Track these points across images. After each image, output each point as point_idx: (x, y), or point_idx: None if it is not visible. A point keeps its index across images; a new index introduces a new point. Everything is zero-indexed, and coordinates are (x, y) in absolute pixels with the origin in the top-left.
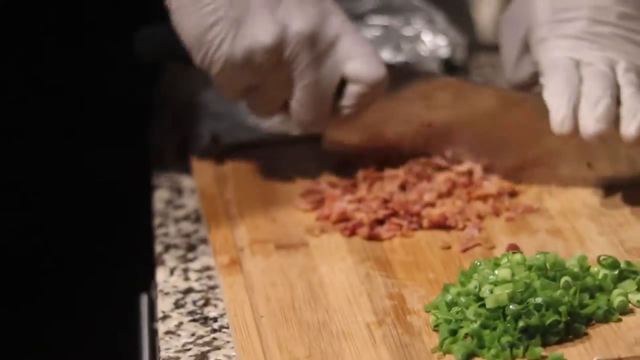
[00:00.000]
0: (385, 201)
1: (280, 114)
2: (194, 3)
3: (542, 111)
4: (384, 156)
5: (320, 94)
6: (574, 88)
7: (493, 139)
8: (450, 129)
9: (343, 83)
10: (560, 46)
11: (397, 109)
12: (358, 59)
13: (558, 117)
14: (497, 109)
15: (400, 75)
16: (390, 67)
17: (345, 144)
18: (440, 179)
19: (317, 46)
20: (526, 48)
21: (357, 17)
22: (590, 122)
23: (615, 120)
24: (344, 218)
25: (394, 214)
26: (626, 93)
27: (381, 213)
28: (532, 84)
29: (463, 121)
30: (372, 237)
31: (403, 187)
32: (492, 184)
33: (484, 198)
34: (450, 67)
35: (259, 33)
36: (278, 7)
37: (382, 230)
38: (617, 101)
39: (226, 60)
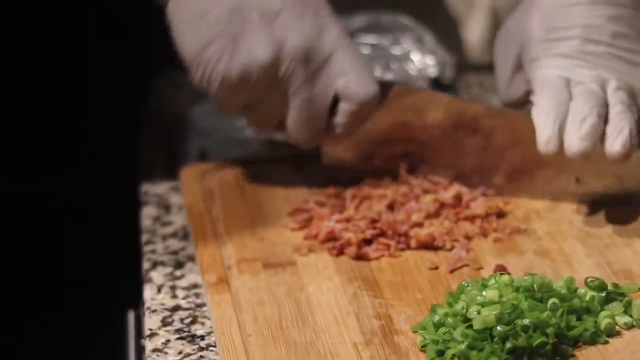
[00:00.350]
0: (374, 221)
1: (279, 129)
2: (195, 19)
3: (531, 128)
4: (380, 170)
5: (314, 112)
6: (561, 107)
7: (482, 152)
8: (441, 142)
9: (337, 100)
10: (553, 65)
11: (388, 123)
12: (349, 77)
13: (544, 137)
14: (484, 122)
15: (391, 90)
16: (383, 84)
17: (343, 159)
18: (429, 200)
19: (312, 62)
20: (520, 66)
21: None
22: (575, 141)
23: (602, 138)
24: (332, 238)
25: (382, 234)
26: (614, 112)
27: (369, 233)
28: (525, 103)
29: (452, 134)
30: (360, 257)
31: (391, 207)
32: (480, 205)
33: (472, 219)
34: (439, 86)
35: (256, 50)
36: (275, 22)
37: (370, 250)
38: (605, 120)
39: (224, 78)
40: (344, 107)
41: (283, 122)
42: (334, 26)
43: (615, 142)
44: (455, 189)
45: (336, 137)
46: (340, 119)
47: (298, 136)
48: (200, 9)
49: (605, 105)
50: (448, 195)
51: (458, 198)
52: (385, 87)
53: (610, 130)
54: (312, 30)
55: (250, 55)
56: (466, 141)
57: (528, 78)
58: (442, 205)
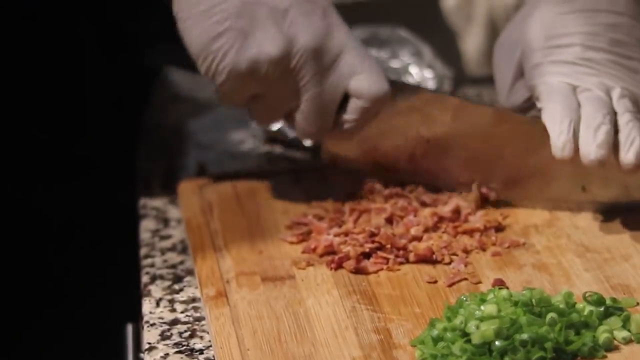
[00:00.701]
0: (372, 234)
1: (283, 122)
2: (202, 13)
3: (539, 133)
4: (381, 170)
5: (323, 107)
6: (573, 113)
7: (488, 155)
8: (446, 144)
9: (346, 97)
10: (555, 71)
11: (394, 123)
12: (361, 75)
13: (559, 142)
14: (492, 126)
15: (400, 90)
16: (393, 83)
17: (343, 157)
18: (427, 213)
19: (322, 59)
20: (520, 73)
21: None
22: (592, 148)
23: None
24: (330, 251)
25: (381, 247)
26: (623, 120)
27: (368, 246)
28: (526, 109)
29: (458, 137)
30: (359, 271)
31: (390, 221)
32: (478, 219)
33: (470, 232)
34: None
35: (265, 44)
36: (284, 20)
37: (369, 264)
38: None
39: (231, 70)
40: (354, 104)
41: (289, 115)
42: (341, 26)
43: (629, 151)
44: (454, 202)
45: (343, 133)
46: (350, 115)
47: (306, 129)
48: (208, 3)
49: (613, 113)
50: (446, 208)
51: (456, 211)
52: (395, 86)
53: (622, 139)
54: (321, 29)
55: (260, 49)
56: (472, 144)
57: (530, 84)
58: (441, 219)
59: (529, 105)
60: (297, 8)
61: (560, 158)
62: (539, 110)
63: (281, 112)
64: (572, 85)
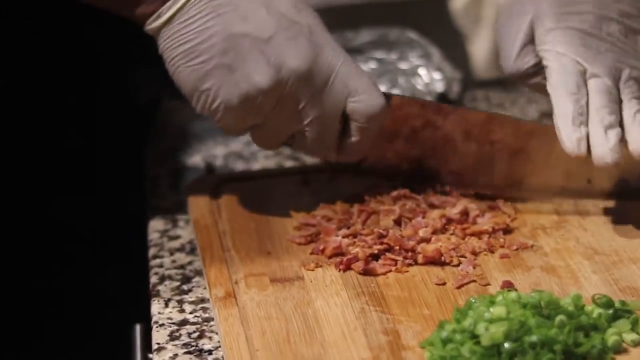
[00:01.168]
0: (381, 236)
1: (285, 145)
2: (187, 53)
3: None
4: (386, 171)
5: (325, 128)
6: (583, 107)
7: (489, 156)
8: (449, 145)
9: (346, 118)
10: (568, 42)
11: (396, 128)
12: (357, 95)
13: (573, 140)
14: (491, 133)
15: (396, 101)
16: (388, 96)
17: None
18: (435, 215)
19: (314, 81)
20: (529, 38)
21: (353, 51)
22: (607, 151)
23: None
24: (338, 252)
25: (389, 249)
26: (630, 110)
27: (376, 248)
28: (532, 74)
29: (460, 139)
30: (367, 272)
31: (398, 222)
32: (487, 221)
33: (479, 234)
34: (445, 101)
35: (254, 76)
36: (270, 48)
37: (377, 265)
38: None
39: (225, 107)
40: (355, 126)
41: (291, 139)
42: (330, 44)
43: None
44: (463, 204)
45: (350, 156)
46: (354, 138)
47: (312, 151)
48: (190, 43)
49: (619, 101)
50: (455, 210)
51: (464, 213)
52: (389, 99)
53: (631, 130)
54: (309, 51)
55: (249, 82)
56: (471, 148)
57: (541, 49)
58: (449, 221)
59: (536, 71)
60: (281, 33)
61: (575, 155)
62: (544, 78)
63: (284, 136)
64: (582, 67)
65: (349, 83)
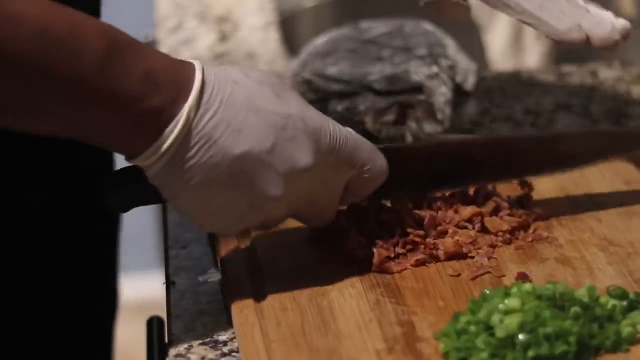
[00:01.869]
0: (399, 236)
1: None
2: (196, 190)
3: None
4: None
5: (328, 205)
6: None
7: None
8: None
9: None
10: None
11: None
12: (363, 168)
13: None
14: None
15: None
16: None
17: None
18: (467, 212)
19: (324, 169)
20: None
21: (368, 42)
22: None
23: None
24: (354, 253)
25: (410, 248)
26: None
27: (395, 249)
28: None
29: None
30: (382, 271)
31: (419, 223)
32: (505, 222)
33: (501, 232)
34: (460, 92)
35: (269, 191)
36: (272, 157)
37: (393, 264)
38: None
39: (251, 227)
40: (353, 192)
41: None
42: (322, 122)
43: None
44: (494, 201)
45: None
46: (362, 196)
47: (309, 224)
48: (198, 176)
49: None
50: (486, 209)
51: (496, 210)
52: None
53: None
54: (311, 143)
55: (268, 203)
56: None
57: None
58: (472, 216)
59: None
60: (281, 136)
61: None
62: None
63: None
64: None
65: (351, 159)
